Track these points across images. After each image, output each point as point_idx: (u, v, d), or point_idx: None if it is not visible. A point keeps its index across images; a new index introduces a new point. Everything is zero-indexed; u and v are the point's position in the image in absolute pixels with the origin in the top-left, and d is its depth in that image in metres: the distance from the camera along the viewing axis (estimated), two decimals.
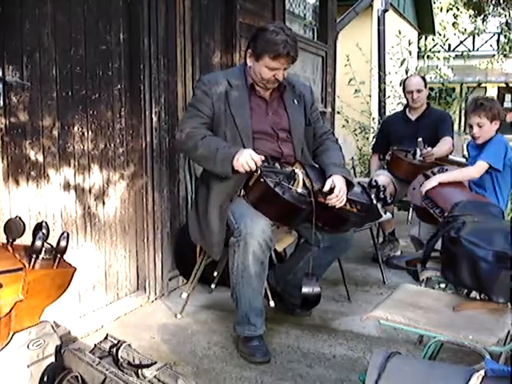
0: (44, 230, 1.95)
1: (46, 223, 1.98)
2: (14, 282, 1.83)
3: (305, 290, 2.67)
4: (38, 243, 1.91)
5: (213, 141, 2.72)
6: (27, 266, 1.88)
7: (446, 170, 3.60)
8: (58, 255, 1.97)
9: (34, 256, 1.90)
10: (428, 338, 2.08)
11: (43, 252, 1.92)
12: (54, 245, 2.00)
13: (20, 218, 1.99)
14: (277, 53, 2.68)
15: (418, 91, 4.41)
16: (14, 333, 1.90)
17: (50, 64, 2.63)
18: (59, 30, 2.67)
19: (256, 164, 2.58)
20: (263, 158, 2.61)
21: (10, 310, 1.83)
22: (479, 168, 3.41)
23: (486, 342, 1.86)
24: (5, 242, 2.02)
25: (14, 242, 2.01)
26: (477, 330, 1.95)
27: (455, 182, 3.44)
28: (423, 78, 4.55)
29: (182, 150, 2.98)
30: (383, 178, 4.13)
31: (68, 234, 2.00)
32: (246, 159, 2.57)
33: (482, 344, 1.86)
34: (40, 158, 2.62)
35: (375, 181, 2.99)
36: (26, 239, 2.09)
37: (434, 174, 3.54)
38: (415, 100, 4.43)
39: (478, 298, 2.24)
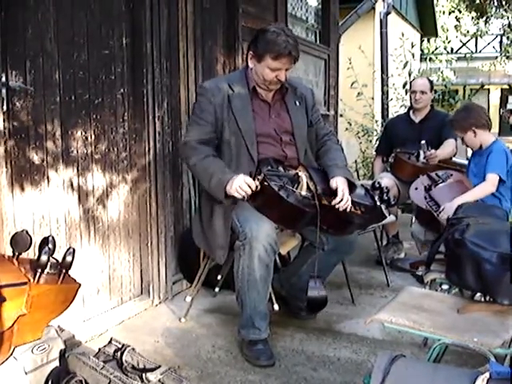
0: (50, 245, 1.94)
1: (52, 238, 1.97)
2: (18, 296, 1.82)
3: (311, 293, 2.67)
4: (44, 258, 1.90)
5: (211, 164, 2.72)
6: (32, 280, 1.88)
7: (451, 175, 3.60)
8: (64, 270, 1.97)
9: (40, 270, 1.89)
10: (432, 340, 2.08)
11: (48, 267, 1.92)
12: (59, 256, 1.99)
13: (27, 232, 1.99)
14: (278, 53, 2.69)
15: (422, 92, 4.42)
16: (16, 347, 1.89)
17: (53, 69, 2.63)
18: (62, 35, 2.68)
19: (250, 188, 2.58)
20: (257, 183, 2.60)
21: (13, 324, 1.82)
22: (492, 181, 3.41)
23: (490, 345, 1.86)
24: (11, 254, 2.02)
25: (20, 256, 2.01)
26: (481, 332, 1.94)
27: (461, 186, 3.43)
28: (430, 82, 4.57)
29: (184, 163, 3.04)
30: (387, 180, 4.13)
31: (74, 250, 2.00)
32: (240, 184, 2.57)
33: (486, 346, 1.86)
34: (43, 163, 2.62)
35: (378, 183, 2.99)
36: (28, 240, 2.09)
37: (439, 177, 3.53)
38: (417, 101, 4.44)
39: (482, 300, 2.23)
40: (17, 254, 1.98)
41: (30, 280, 1.87)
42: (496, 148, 3.48)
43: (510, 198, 3.55)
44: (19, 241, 1.98)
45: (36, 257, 1.94)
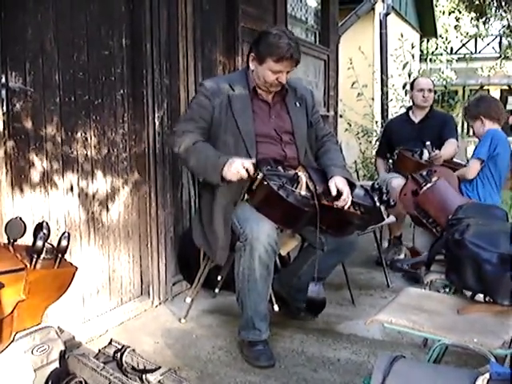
0: (45, 230, 1.95)
1: (46, 223, 1.98)
2: (16, 282, 1.83)
3: (310, 294, 2.67)
4: (39, 243, 1.91)
5: (203, 148, 2.73)
6: (28, 266, 1.88)
7: (435, 171, 3.61)
8: (59, 255, 1.97)
9: (35, 256, 1.90)
10: (432, 341, 2.08)
11: (44, 252, 1.92)
12: (55, 245, 2.00)
13: (21, 219, 1.99)
14: (280, 56, 2.69)
15: (430, 90, 4.44)
16: (17, 332, 1.90)
17: (52, 69, 2.64)
18: (62, 36, 2.68)
19: (248, 171, 2.58)
20: (254, 161, 2.61)
21: (12, 310, 1.83)
22: (473, 167, 3.61)
23: (490, 345, 1.86)
24: (6, 242, 2.02)
25: (15, 243, 2.01)
26: (481, 332, 1.94)
27: (449, 187, 3.46)
28: (432, 81, 4.60)
29: (173, 152, 2.94)
30: (401, 180, 4.06)
31: (69, 234, 2.00)
32: (238, 168, 2.58)
33: (486, 347, 1.85)
34: (43, 164, 2.62)
35: (377, 183, 2.99)
36: (27, 241, 2.09)
37: (423, 177, 3.54)
38: (426, 98, 4.43)
39: (482, 300, 2.23)
40: (12, 240, 1.98)
41: (26, 266, 1.87)
42: (486, 134, 3.56)
43: (498, 189, 3.61)
44: (13, 227, 1.98)
45: (31, 243, 1.94)
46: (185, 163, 2.92)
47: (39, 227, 1.96)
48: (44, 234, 1.94)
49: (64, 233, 1.99)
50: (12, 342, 1.89)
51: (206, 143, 2.77)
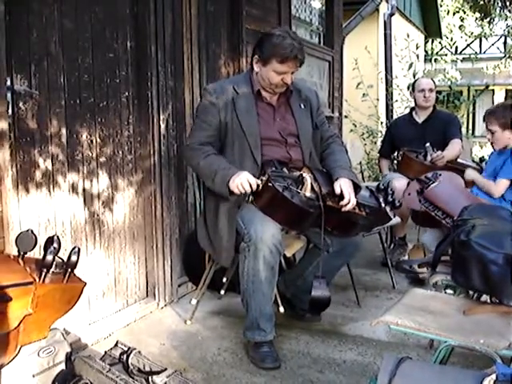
0: (55, 245, 1.95)
1: (57, 237, 1.98)
2: (24, 296, 1.83)
3: (314, 293, 2.67)
4: (49, 257, 1.91)
5: (214, 160, 2.75)
6: (37, 279, 1.88)
7: (440, 175, 3.60)
8: (69, 270, 1.97)
9: (45, 270, 1.90)
10: (438, 342, 2.07)
11: (54, 266, 1.93)
12: (65, 258, 2.00)
13: (32, 231, 1.99)
14: (284, 56, 2.69)
15: (431, 90, 4.44)
16: (22, 346, 1.90)
17: (57, 72, 2.64)
18: (67, 39, 2.69)
19: (251, 187, 2.60)
20: (259, 182, 2.62)
21: (19, 324, 1.83)
22: (500, 186, 3.51)
23: (496, 346, 1.85)
24: (16, 254, 2.02)
25: (26, 255, 2.02)
26: (487, 333, 1.93)
27: (456, 185, 3.44)
28: (433, 81, 4.59)
29: (188, 164, 3.06)
30: (403, 181, 4.06)
31: (79, 249, 2.00)
32: (242, 181, 2.60)
33: (492, 348, 1.85)
34: (49, 166, 2.63)
35: (383, 184, 2.98)
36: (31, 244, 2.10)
37: (428, 179, 3.53)
38: (427, 98, 4.43)
39: (488, 301, 2.22)
40: (22, 253, 1.99)
41: (35, 279, 1.88)
42: None
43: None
44: (24, 240, 1.99)
45: (41, 256, 1.95)
46: (196, 172, 3.04)
47: (50, 241, 1.97)
48: (54, 248, 1.94)
49: (74, 248, 1.99)
50: (17, 355, 1.89)
51: (218, 156, 2.79)
